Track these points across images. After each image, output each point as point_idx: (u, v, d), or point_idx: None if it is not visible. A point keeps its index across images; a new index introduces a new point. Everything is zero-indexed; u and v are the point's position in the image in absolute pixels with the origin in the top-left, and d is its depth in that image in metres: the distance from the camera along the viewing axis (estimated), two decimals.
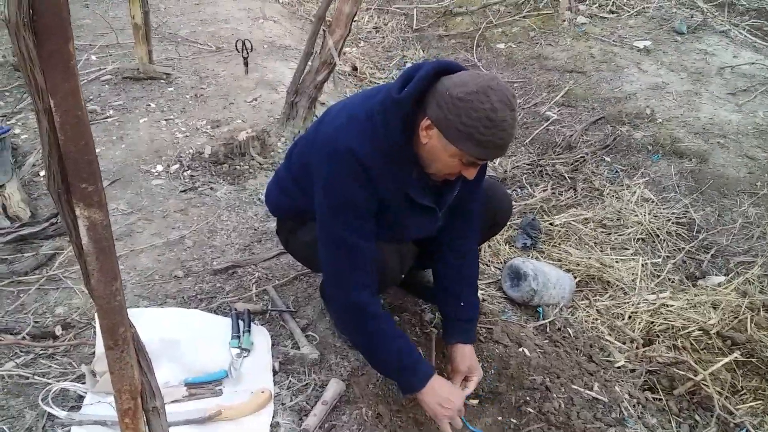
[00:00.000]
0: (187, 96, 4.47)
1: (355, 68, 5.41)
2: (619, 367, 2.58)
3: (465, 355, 2.25)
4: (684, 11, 5.63)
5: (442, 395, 2.05)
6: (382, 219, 2.02)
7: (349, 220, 1.96)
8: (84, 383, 2.14)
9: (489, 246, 3.29)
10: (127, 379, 1.52)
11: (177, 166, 3.65)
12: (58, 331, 2.40)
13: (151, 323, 2.40)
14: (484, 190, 2.29)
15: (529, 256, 3.25)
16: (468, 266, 2.36)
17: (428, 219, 2.13)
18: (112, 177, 3.50)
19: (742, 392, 2.53)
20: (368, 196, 1.94)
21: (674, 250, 3.37)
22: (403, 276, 2.38)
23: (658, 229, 3.46)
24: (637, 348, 2.72)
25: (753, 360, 2.62)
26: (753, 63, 4.68)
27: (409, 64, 5.58)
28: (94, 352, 2.30)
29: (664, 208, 3.61)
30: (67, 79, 1.09)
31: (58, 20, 1.01)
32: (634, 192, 3.72)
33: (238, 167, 3.65)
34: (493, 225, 2.53)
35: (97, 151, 3.72)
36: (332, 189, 1.96)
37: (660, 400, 2.47)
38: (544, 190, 3.81)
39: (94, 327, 2.39)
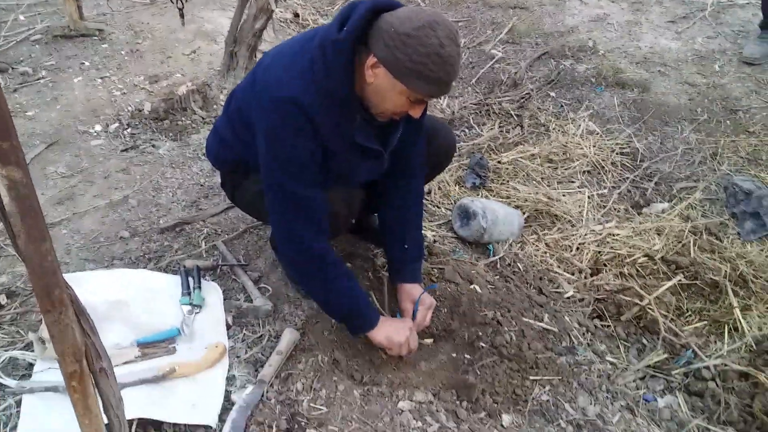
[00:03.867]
0: (123, 52, 4.30)
1: (296, 15, 5.27)
2: (568, 298, 2.65)
3: (412, 293, 2.28)
4: None
5: (391, 330, 2.12)
6: (328, 166, 1.99)
7: (295, 171, 1.92)
8: (33, 351, 2.10)
9: (439, 188, 3.30)
10: (69, 341, 1.49)
11: (116, 125, 3.54)
12: (3, 300, 2.34)
13: (97, 286, 2.35)
14: (427, 128, 2.28)
15: (478, 195, 3.27)
16: (412, 206, 2.36)
17: (375, 162, 2.12)
18: (48, 140, 3.37)
19: (687, 314, 2.62)
20: (313, 146, 1.91)
21: (619, 180, 3.43)
22: (353, 221, 2.37)
23: (603, 160, 3.51)
24: (585, 278, 2.79)
25: (697, 282, 2.71)
26: None
27: None
28: (41, 319, 2.25)
29: (608, 140, 3.65)
30: None
31: None
32: (579, 125, 3.76)
33: (180, 123, 3.55)
34: (438, 163, 2.53)
35: (30, 114, 3.61)
36: (275, 141, 1.91)
37: (608, 326, 2.55)
38: (492, 129, 3.81)
39: None
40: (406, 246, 2.32)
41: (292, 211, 1.98)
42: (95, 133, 3.47)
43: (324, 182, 2.00)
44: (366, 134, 1.99)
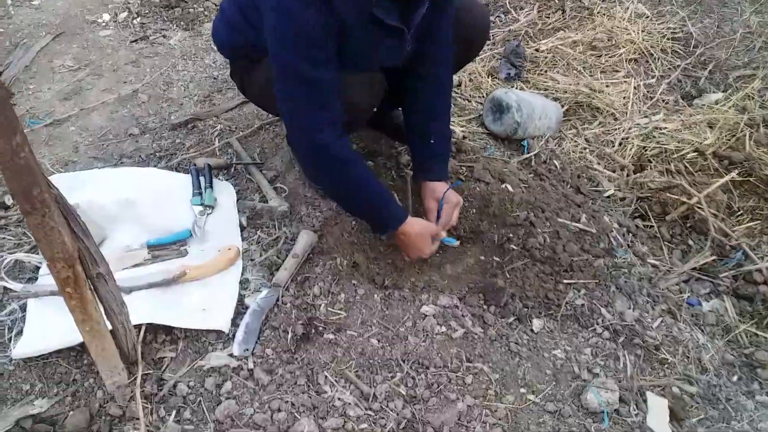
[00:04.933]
0: None
1: None
2: (608, 197, 2.46)
3: (436, 190, 2.10)
4: None
5: (415, 235, 1.98)
6: (345, 46, 1.77)
7: (305, 50, 1.70)
8: (38, 253, 2.01)
9: (470, 79, 3.05)
10: (57, 245, 1.37)
11: (125, 13, 3.32)
12: (9, 200, 2.23)
13: (105, 185, 2.24)
14: (457, 6, 2.03)
15: (513, 86, 3.02)
16: (439, 98, 2.14)
17: (396, 42, 1.88)
18: (55, 30, 3.19)
19: (738, 213, 2.41)
20: (326, 19, 1.67)
21: (669, 68, 3.13)
22: (374, 110, 2.17)
23: (651, 47, 3.19)
24: (627, 175, 2.57)
25: (751, 179, 2.48)
26: None
27: None
28: None
29: (659, 24, 3.32)
30: None
31: None
32: (627, 8, 3.41)
33: (192, 10, 3.32)
34: (469, 46, 2.25)
35: (36, 2, 3.40)
36: (282, 14, 1.68)
37: (651, 227, 2.36)
38: (530, 13, 3.49)
39: None
40: (432, 141, 2.11)
41: (301, 96, 1.77)
42: (103, 23, 3.26)
43: (340, 64, 1.78)
44: (386, 8, 1.75)
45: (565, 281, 2.05)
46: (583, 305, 1.98)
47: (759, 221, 2.37)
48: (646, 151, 2.67)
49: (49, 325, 1.79)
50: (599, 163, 2.63)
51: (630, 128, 2.78)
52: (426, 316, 1.89)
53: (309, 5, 1.63)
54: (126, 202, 2.18)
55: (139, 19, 3.26)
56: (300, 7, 1.64)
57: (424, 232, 1.98)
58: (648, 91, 3.00)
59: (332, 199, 2.12)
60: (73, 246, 1.43)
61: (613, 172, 2.60)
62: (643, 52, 3.18)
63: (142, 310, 1.81)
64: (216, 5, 3.32)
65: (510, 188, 2.33)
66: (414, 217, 2.08)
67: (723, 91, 2.97)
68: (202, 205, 2.17)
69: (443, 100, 2.15)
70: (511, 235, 2.17)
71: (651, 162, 2.63)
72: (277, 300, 1.90)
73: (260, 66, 2.01)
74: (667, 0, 3.41)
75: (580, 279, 2.06)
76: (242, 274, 1.99)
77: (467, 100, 2.95)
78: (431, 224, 2.02)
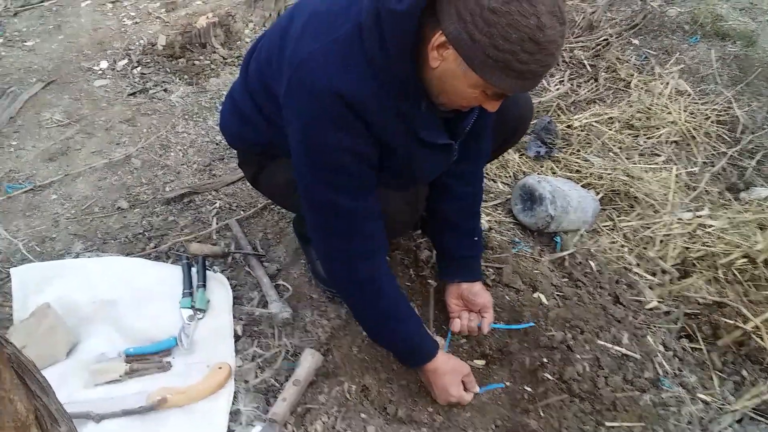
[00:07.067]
0: None
1: None
2: (650, 309, 2.17)
3: (477, 291, 1.89)
4: None
5: (443, 375, 1.74)
6: (387, 166, 1.53)
7: (338, 181, 1.48)
8: None
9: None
10: (8, 414, 1.10)
11: (125, 61, 3.07)
12: None
13: (84, 280, 1.96)
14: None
15: (542, 166, 2.76)
16: (476, 195, 1.93)
17: (443, 157, 1.64)
18: (47, 77, 2.93)
19: None
20: (365, 148, 1.44)
21: (713, 155, 2.86)
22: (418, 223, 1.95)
23: (695, 129, 2.93)
24: (671, 282, 2.30)
25: None
26: None
27: None
28: (11, 317, 1.87)
29: (702, 104, 3.06)
30: None
31: None
32: (667, 83, 3.16)
33: (197, 62, 3.06)
34: (509, 137, 2.03)
35: (29, 44, 3.14)
36: (315, 144, 1.43)
37: (699, 349, 2.08)
38: (561, 81, 3.25)
39: (11, 283, 1.95)
40: (468, 241, 1.91)
41: (335, 229, 1.57)
42: (100, 71, 3.01)
43: (380, 179, 1.55)
44: (433, 128, 1.51)
45: (607, 423, 1.77)
46: None
47: None
48: (690, 252, 2.40)
49: None
50: (638, 265, 2.35)
51: (671, 224, 2.51)
52: None
53: (345, 136, 1.39)
54: (105, 302, 1.90)
55: (139, 68, 3.00)
56: (333, 133, 1.39)
57: (454, 373, 1.72)
58: (690, 180, 2.74)
59: (360, 325, 1.87)
60: (28, 408, 1.15)
61: (654, 275, 2.32)
62: (684, 135, 2.92)
63: None
64: (224, 59, 3.07)
65: (544, 299, 2.06)
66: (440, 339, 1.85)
67: None
68: (192, 308, 1.90)
69: (479, 197, 1.95)
70: (545, 359, 1.90)
71: (696, 266, 2.36)
72: None
73: (276, 164, 1.77)
74: (711, 77, 3.16)
75: (624, 421, 1.77)
76: (233, 402, 1.70)
77: (492, 180, 2.68)
78: (464, 365, 1.76)
